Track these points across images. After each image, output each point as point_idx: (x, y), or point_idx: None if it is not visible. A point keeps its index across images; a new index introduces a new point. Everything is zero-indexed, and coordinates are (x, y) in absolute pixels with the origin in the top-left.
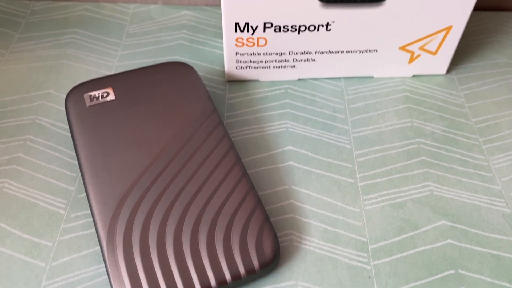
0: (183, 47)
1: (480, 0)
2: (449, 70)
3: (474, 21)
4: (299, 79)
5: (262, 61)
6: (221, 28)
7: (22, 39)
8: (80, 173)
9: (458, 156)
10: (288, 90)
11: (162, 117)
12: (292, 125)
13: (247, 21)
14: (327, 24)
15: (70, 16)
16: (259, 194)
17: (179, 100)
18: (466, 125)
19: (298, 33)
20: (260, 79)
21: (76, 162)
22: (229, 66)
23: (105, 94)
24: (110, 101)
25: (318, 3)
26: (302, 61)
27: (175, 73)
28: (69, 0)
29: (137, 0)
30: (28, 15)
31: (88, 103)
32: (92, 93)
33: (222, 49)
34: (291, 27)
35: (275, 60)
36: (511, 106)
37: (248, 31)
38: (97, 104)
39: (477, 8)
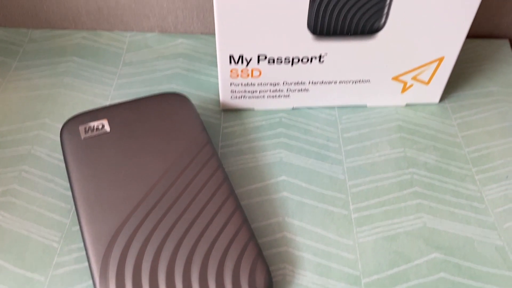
0: (179, 76)
1: (472, 28)
2: (442, 98)
3: (466, 48)
4: (293, 108)
5: (256, 91)
6: (216, 57)
7: (20, 68)
8: (74, 206)
9: (451, 186)
10: (283, 119)
11: (157, 149)
12: (286, 154)
13: (241, 53)
14: (320, 56)
15: (68, 44)
16: (252, 226)
17: (173, 131)
18: (459, 155)
19: (292, 64)
20: (255, 108)
21: (71, 194)
22: (224, 96)
23: (100, 126)
24: (105, 133)
25: (311, 36)
26: (296, 91)
27: (170, 104)
28: (66, 28)
29: (134, 28)
30: (26, 43)
31: (83, 136)
32: (87, 125)
33: (217, 77)
34: (285, 59)
35: (269, 90)
36: (503, 135)
37: (242, 63)
38: (92, 136)
39: (469, 36)
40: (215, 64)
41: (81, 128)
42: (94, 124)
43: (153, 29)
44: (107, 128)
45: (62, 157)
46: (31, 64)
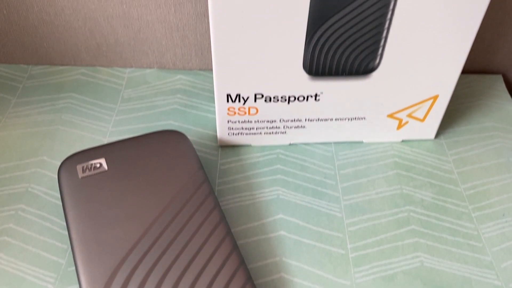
0: (177, 112)
1: (466, 63)
2: (437, 134)
3: (461, 84)
4: (290, 144)
5: (253, 128)
6: (214, 93)
7: (19, 104)
8: (70, 246)
9: (447, 224)
10: (280, 155)
11: (154, 188)
12: (283, 192)
13: (238, 92)
14: (316, 95)
15: (67, 80)
16: (249, 266)
17: (170, 170)
18: (455, 192)
19: (288, 103)
20: (252, 144)
21: (67, 233)
22: (221, 133)
23: (97, 165)
24: (103, 172)
25: (307, 76)
26: (293, 128)
27: (168, 142)
28: (66, 64)
29: (132, 65)
30: (25, 79)
31: (80, 175)
32: (85, 164)
33: (215, 113)
34: (281, 97)
35: (266, 127)
36: (499, 171)
37: (239, 101)
38: (89, 175)
39: (463, 71)
40: (213, 100)
41: (79, 167)
42: (92, 163)
43: (152, 65)
44: (105, 166)
45: (59, 195)
46: (30, 101)
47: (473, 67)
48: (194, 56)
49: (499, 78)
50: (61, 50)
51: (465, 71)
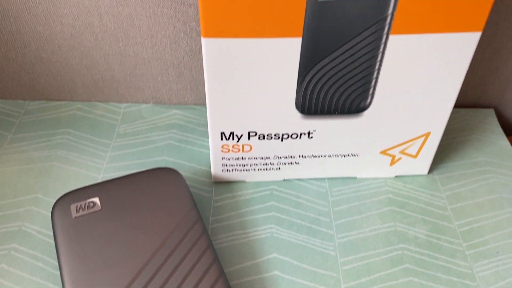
0: (172, 147)
1: (458, 98)
2: (430, 170)
3: (453, 118)
4: (284, 180)
5: (247, 165)
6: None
7: (14, 140)
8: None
9: (441, 263)
10: (274, 191)
11: (147, 229)
12: (277, 229)
13: (232, 130)
14: (309, 133)
15: (63, 115)
16: None
17: (164, 209)
18: (449, 229)
19: (282, 140)
20: (246, 180)
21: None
22: (216, 169)
23: (91, 204)
24: (96, 211)
25: (299, 114)
26: (287, 164)
27: (161, 180)
28: (62, 99)
29: (128, 100)
30: (22, 114)
31: (74, 214)
32: (79, 204)
33: (209, 149)
34: (275, 135)
35: (260, 164)
36: (492, 207)
37: (233, 139)
38: (83, 215)
39: (456, 105)
40: (207, 135)
41: (73, 207)
42: (86, 202)
43: (148, 101)
44: (98, 206)
45: (52, 234)
46: (26, 136)
47: (465, 101)
48: (189, 91)
49: (491, 112)
50: (58, 85)
51: (457, 105)
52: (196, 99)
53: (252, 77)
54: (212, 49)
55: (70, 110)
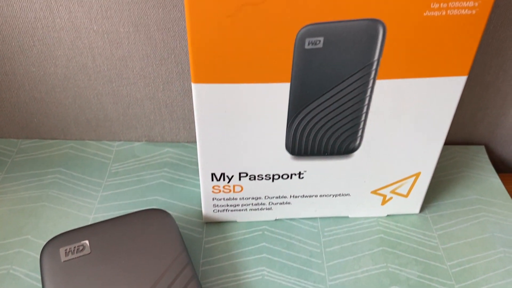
0: (163, 186)
1: (448, 135)
2: (422, 208)
3: (444, 155)
4: (276, 219)
5: (238, 205)
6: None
7: (7, 180)
8: None
9: None
10: (265, 232)
11: (136, 272)
12: (268, 272)
13: (222, 171)
14: (300, 173)
15: (55, 154)
16: None
17: (154, 252)
18: (441, 270)
19: (272, 180)
20: (238, 220)
21: None
22: (207, 210)
23: (80, 248)
24: (86, 255)
25: (290, 155)
26: (278, 204)
27: (152, 221)
28: (55, 138)
29: (121, 138)
30: (14, 153)
31: (63, 258)
32: (68, 247)
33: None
34: (265, 175)
35: (252, 204)
36: (484, 247)
37: (224, 179)
38: (72, 258)
39: (446, 143)
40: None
41: (62, 250)
42: (75, 246)
43: (141, 139)
44: (88, 249)
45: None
46: (18, 176)
47: (456, 138)
48: (182, 129)
49: (482, 149)
50: (51, 124)
51: (448, 142)
52: (188, 137)
53: (242, 120)
54: (202, 94)
55: (63, 148)
